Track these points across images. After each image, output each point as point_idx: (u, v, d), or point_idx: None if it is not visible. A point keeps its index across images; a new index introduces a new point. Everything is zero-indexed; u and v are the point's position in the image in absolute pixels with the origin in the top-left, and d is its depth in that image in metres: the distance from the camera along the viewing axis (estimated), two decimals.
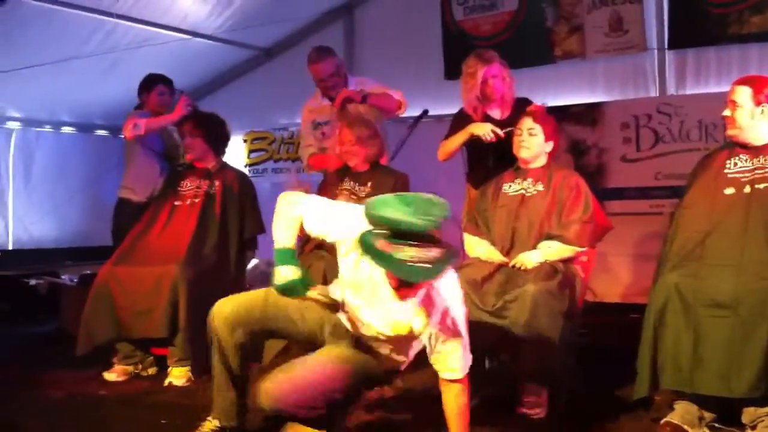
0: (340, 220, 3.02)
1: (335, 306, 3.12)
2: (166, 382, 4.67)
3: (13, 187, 7.40)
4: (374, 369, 3.18)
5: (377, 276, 2.87)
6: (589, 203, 4.19)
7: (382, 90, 5.22)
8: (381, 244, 2.58)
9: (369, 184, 4.77)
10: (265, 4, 6.84)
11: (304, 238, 4.75)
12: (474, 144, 4.72)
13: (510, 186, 4.38)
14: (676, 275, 3.57)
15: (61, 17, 6.04)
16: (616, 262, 5.80)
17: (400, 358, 3.21)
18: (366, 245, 2.62)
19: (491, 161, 4.73)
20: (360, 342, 3.14)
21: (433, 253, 2.56)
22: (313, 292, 3.11)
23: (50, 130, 7.73)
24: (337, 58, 5.38)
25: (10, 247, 7.44)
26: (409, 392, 4.29)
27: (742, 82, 3.80)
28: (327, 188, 4.88)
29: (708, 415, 3.52)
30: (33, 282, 7.06)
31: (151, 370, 4.93)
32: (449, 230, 2.86)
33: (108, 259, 5.03)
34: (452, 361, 2.97)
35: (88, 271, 6.20)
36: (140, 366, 4.91)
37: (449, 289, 2.94)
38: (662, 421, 3.55)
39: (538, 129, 4.29)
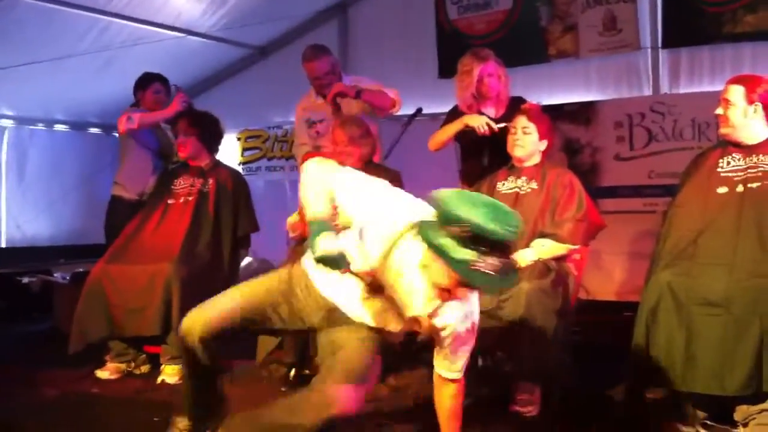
0: (377, 201, 2.82)
1: (377, 286, 2.84)
2: (159, 380, 4.68)
3: (6, 186, 7.38)
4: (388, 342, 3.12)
5: (409, 270, 2.73)
6: (582, 201, 4.20)
7: (377, 87, 5.22)
8: (451, 242, 2.45)
9: None
10: (260, 3, 6.83)
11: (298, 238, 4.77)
12: (467, 137, 4.71)
13: (504, 184, 4.39)
14: (668, 274, 3.59)
15: (55, 15, 6.02)
16: (610, 260, 5.81)
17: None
18: (435, 241, 2.48)
19: (485, 159, 4.74)
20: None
21: (504, 263, 2.47)
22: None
23: (44, 128, 7.71)
24: (332, 56, 5.38)
25: (3, 245, 7.43)
26: (403, 390, 4.30)
27: (736, 81, 3.81)
28: None
29: (701, 414, 3.53)
30: (26, 280, 7.05)
31: (144, 368, 4.93)
32: None
33: (101, 257, 5.03)
34: (459, 362, 2.95)
35: (81, 269, 6.19)
36: (133, 364, 4.91)
37: (475, 293, 2.91)
38: (655, 419, 3.56)
39: (532, 127, 4.30)
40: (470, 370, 3.05)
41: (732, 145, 3.83)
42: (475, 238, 2.43)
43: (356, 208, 2.80)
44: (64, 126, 7.86)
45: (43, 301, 6.65)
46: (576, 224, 4.13)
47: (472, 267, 2.44)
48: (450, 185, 4.97)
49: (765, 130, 3.77)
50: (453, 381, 2.98)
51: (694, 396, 3.49)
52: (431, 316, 2.79)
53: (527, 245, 4.10)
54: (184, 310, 4.56)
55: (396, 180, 4.77)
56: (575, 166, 5.64)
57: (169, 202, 5.16)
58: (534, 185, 4.28)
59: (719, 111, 3.81)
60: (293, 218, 4.59)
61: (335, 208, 2.77)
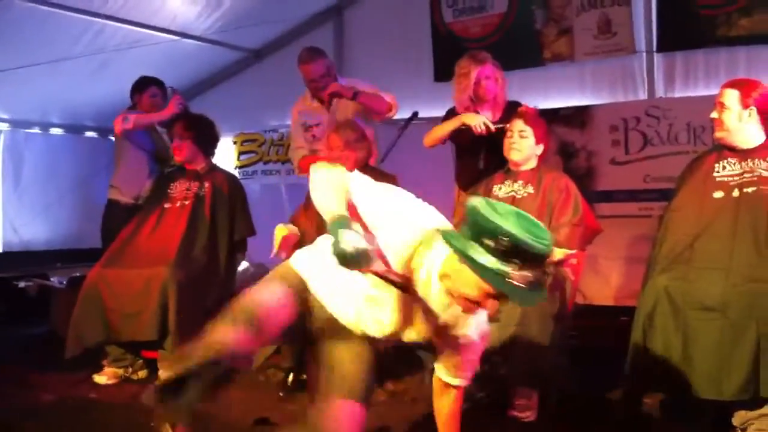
0: (395, 205, 2.69)
1: (405, 284, 2.69)
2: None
3: (2, 189, 7.36)
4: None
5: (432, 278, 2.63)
6: (578, 206, 4.21)
7: (373, 91, 5.23)
8: (485, 254, 2.37)
9: None
10: (255, 6, 6.82)
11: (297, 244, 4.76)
12: (463, 136, 4.71)
13: (500, 188, 4.39)
14: (665, 278, 3.60)
15: (50, 18, 6.00)
16: (606, 264, 5.82)
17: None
18: (468, 252, 2.39)
19: (481, 162, 4.74)
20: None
21: (536, 276, 2.38)
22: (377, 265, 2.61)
23: (39, 131, 7.70)
24: (327, 59, 5.38)
25: (0, 250, 7.41)
26: (401, 395, 4.31)
27: (731, 84, 3.83)
28: None
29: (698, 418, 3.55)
30: (22, 284, 7.04)
31: (141, 373, 4.93)
32: None
33: (98, 261, 5.02)
34: (467, 370, 2.93)
35: (78, 274, 6.18)
36: (130, 369, 4.90)
37: None
38: (652, 424, 3.58)
39: (529, 131, 4.30)
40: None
41: (727, 150, 3.85)
42: (510, 251, 2.35)
43: (374, 212, 2.64)
44: (59, 129, 7.84)
45: (40, 305, 6.64)
46: (572, 229, 4.13)
47: (508, 280, 2.36)
48: (446, 189, 5.06)
49: (760, 134, 3.79)
50: (455, 387, 2.98)
51: (692, 401, 3.50)
52: (453, 327, 2.75)
53: None
54: (180, 315, 4.62)
55: (392, 183, 4.78)
56: (570, 170, 5.64)
57: (166, 206, 5.16)
58: (530, 189, 4.28)
59: (714, 115, 3.83)
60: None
61: (353, 211, 2.64)
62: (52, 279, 6.98)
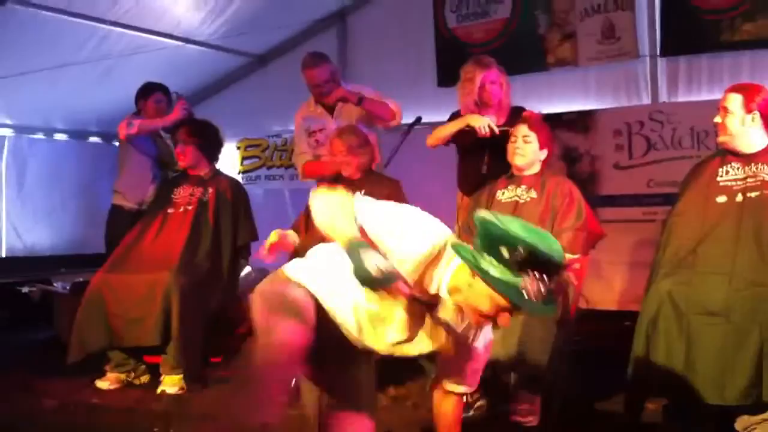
0: (402, 221, 2.60)
1: (433, 303, 2.61)
2: (159, 391, 4.67)
3: (6, 195, 7.37)
4: None
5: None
6: (582, 210, 4.20)
7: (377, 97, 5.24)
8: (499, 266, 2.34)
9: (362, 192, 4.77)
10: (259, 11, 6.83)
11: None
12: (466, 138, 4.70)
13: (503, 193, 4.38)
14: (668, 283, 3.59)
15: (54, 24, 6.03)
16: (609, 269, 5.80)
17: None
18: (481, 265, 2.36)
19: (484, 166, 4.73)
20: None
21: (551, 287, 2.34)
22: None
23: (43, 137, 7.71)
24: (331, 64, 5.39)
25: (3, 255, 7.42)
26: (402, 400, 4.30)
27: (734, 89, 3.82)
28: None
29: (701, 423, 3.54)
30: (26, 290, 7.04)
31: (144, 378, 4.93)
32: None
33: (101, 266, 5.03)
34: (471, 378, 2.90)
35: (81, 279, 6.18)
36: (133, 374, 4.90)
37: None
38: (655, 429, 3.56)
39: (533, 136, 4.29)
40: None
41: (731, 154, 3.84)
42: (526, 262, 2.32)
43: (383, 232, 2.55)
44: (63, 135, 7.85)
45: (43, 310, 6.64)
46: (575, 233, 4.12)
47: (523, 293, 2.33)
48: (449, 194, 5.06)
49: (763, 138, 3.78)
50: (456, 394, 2.97)
51: (695, 406, 3.48)
52: (462, 340, 2.71)
53: None
54: (183, 320, 4.62)
55: (397, 190, 4.78)
56: (574, 175, 5.64)
57: (169, 211, 5.17)
58: (533, 194, 4.27)
59: (717, 119, 3.82)
60: (274, 237, 4.48)
61: (361, 233, 2.56)
62: (55, 284, 6.98)
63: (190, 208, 5.13)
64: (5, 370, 5.21)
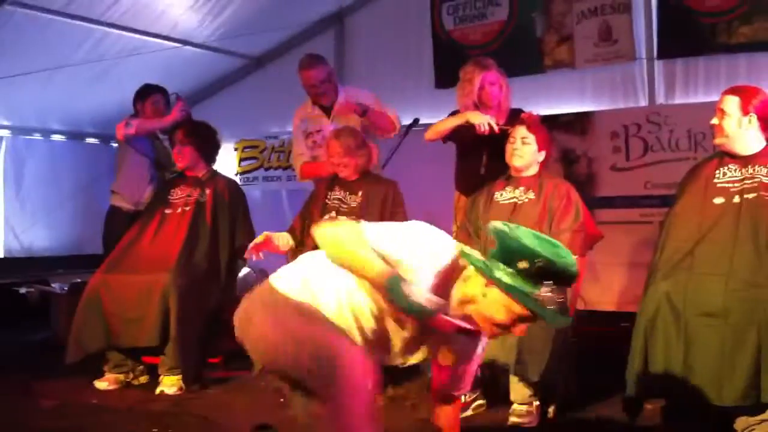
0: (418, 246, 2.55)
1: (477, 331, 2.60)
2: (158, 391, 4.67)
3: (3, 196, 7.37)
4: None
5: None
6: (579, 212, 4.21)
7: (375, 101, 5.29)
8: (517, 277, 2.37)
9: (359, 193, 4.79)
10: (256, 13, 6.84)
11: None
12: (465, 136, 4.71)
13: (501, 194, 4.39)
14: (666, 284, 3.60)
15: (51, 25, 6.03)
16: (607, 270, 5.81)
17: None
18: (498, 276, 2.39)
19: (483, 168, 4.74)
20: None
21: (564, 297, 2.43)
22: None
23: (40, 138, 7.71)
24: (328, 65, 5.42)
25: (1, 256, 7.41)
26: (400, 400, 4.30)
27: (731, 91, 3.84)
28: (316, 199, 4.89)
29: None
30: (23, 290, 7.04)
31: (143, 379, 4.92)
32: None
33: (99, 267, 5.03)
34: (467, 380, 2.93)
35: (79, 280, 6.19)
36: (131, 375, 4.90)
37: None
38: (654, 430, 3.57)
39: (531, 138, 4.30)
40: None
41: (728, 156, 3.85)
42: (543, 272, 2.36)
43: (401, 259, 2.49)
44: (60, 136, 7.85)
45: (41, 311, 6.64)
46: (573, 235, 4.13)
47: (541, 302, 2.38)
48: (446, 196, 5.07)
49: (760, 140, 3.79)
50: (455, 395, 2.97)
51: (693, 407, 3.50)
52: None
53: None
54: (181, 321, 4.62)
55: (395, 192, 4.80)
56: (571, 177, 5.64)
57: (166, 212, 5.16)
58: (531, 195, 4.28)
59: (714, 121, 3.84)
60: (259, 239, 4.50)
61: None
62: (53, 285, 6.97)
63: (187, 209, 5.13)
64: (3, 370, 5.21)
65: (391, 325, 2.59)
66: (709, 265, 3.60)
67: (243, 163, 7.95)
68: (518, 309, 2.41)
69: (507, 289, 2.38)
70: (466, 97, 4.80)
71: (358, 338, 2.62)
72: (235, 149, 7.95)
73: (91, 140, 8.15)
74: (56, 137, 7.83)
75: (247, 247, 5.21)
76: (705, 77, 5.92)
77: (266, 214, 7.07)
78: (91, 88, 7.01)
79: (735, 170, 3.79)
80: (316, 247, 4.60)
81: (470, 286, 2.50)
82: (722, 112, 3.78)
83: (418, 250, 2.52)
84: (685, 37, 5.93)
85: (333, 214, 4.74)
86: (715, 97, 4.01)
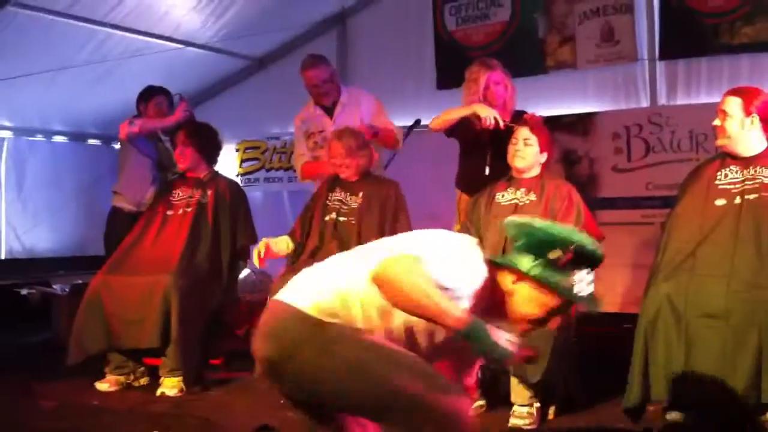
0: (461, 266, 2.40)
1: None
2: (159, 393, 4.67)
3: (5, 197, 7.37)
4: None
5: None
6: (581, 213, 4.21)
7: (379, 109, 5.35)
8: (551, 268, 2.35)
9: (360, 194, 4.78)
10: (258, 14, 6.84)
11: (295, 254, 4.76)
12: (468, 132, 4.71)
13: (503, 195, 4.39)
14: (667, 286, 3.60)
15: (53, 26, 6.03)
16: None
17: None
18: (534, 269, 2.36)
19: (487, 170, 4.72)
20: None
21: (593, 280, 2.39)
22: None
23: (43, 138, 7.71)
24: (330, 66, 5.43)
25: (2, 257, 7.41)
26: None
27: (733, 92, 3.83)
28: (317, 199, 4.89)
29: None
30: (24, 292, 7.04)
31: (144, 381, 4.92)
32: None
33: (100, 268, 5.03)
34: (471, 379, 2.87)
35: (80, 281, 6.19)
36: (132, 376, 4.90)
37: None
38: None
39: (534, 139, 4.30)
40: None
41: (730, 157, 3.84)
42: (578, 260, 2.36)
43: (457, 287, 2.35)
44: (62, 137, 7.86)
45: (42, 312, 6.64)
46: None
47: (578, 289, 2.38)
48: (449, 196, 5.06)
49: (762, 141, 3.79)
50: None
51: (695, 408, 3.49)
52: None
53: None
54: (183, 323, 4.62)
55: (397, 192, 4.79)
56: (573, 178, 5.64)
57: (168, 213, 5.17)
58: (533, 197, 4.27)
59: (717, 122, 3.83)
60: (261, 248, 4.53)
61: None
62: (54, 286, 6.97)
63: (189, 210, 5.13)
64: (4, 371, 5.22)
65: (421, 337, 2.46)
66: (711, 266, 3.60)
67: (244, 164, 7.95)
68: (552, 301, 2.40)
69: (543, 281, 2.37)
70: (471, 97, 4.79)
71: None
72: (237, 150, 7.95)
73: (93, 141, 8.15)
74: (58, 138, 7.83)
75: (248, 248, 5.27)
76: (707, 78, 5.90)
77: (267, 215, 7.07)
78: (93, 89, 7.01)
79: (736, 171, 3.79)
80: (315, 250, 4.65)
81: (505, 284, 2.46)
82: (724, 113, 3.78)
83: (467, 275, 2.40)
84: (687, 37, 5.93)
85: (333, 215, 4.74)
86: (717, 98, 4.00)
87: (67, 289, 6.59)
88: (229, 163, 7.62)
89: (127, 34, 6.49)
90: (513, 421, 3.89)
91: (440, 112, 4.85)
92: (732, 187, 3.76)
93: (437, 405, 2.25)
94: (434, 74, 6.98)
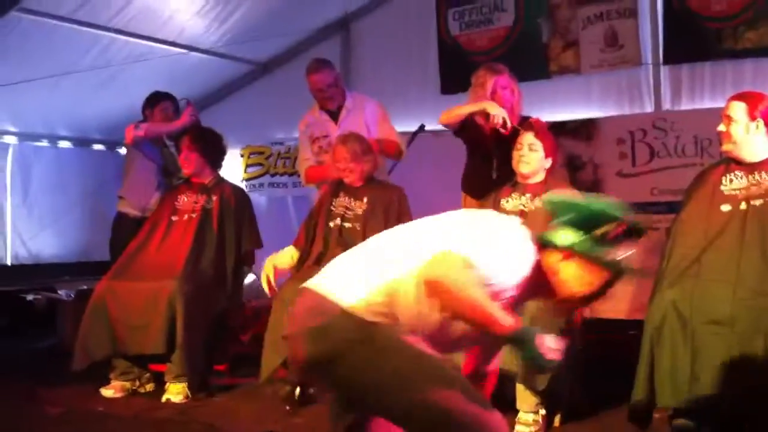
0: (506, 250, 2.38)
1: None
2: (164, 399, 4.68)
3: (11, 202, 7.37)
4: None
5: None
6: None
7: (382, 116, 5.34)
8: (596, 244, 2.34)
9: (364, 199, 4.79)
10: (262, 19, 6.84)
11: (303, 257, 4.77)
12: (474, 130, 4.70)
13: (508, 201, 4.39)
14: (673, 292, 3.60)
15: (57, 31, 6.04)
16: None
17: None
18: (587, 247, 2.35)
19: (494, 174, 4.71)
20: None
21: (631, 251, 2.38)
22: None
23: (47, 144, 7.72)
24: (335, 70, 5.43)
25: (8, 263, 7.42)
26: None
27: (738, 97, 3.84)
28: (322, 205, 4.89)
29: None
30: (30, 297, 7.05)
31: (149, 387, 4.93)
32: None
33: (105, 274, 5.03)
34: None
35: (85, 287, 6.20)
36: (138, 382, 4.90)
37: None
38: None
39: (538, 145, 4.30)
40: None
41: (734, 163, 3.85)
42: (626, 233, 2.38)
43: (504, 280, 2.34)
44: (67, 142, 7.86)
45: (48, 318, 6.65)
46: None
47: (626, 263, 2.39)
48: (453, 200, 5.05)
49: (767, 146, 3.78)
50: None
51: (701, 415, 3.49)
52: None
53: None
54: (188, 328, 4.63)
55: (400, 197, 4.80)
56: (577, 183, 5.63)
57: (173, 218, 5.17)
58: (538, 203, 4.26)
59: (721, 128, 3.83)
60: (270, 272, 4.58)
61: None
62: (59, 292, 6.99)
63: (194, 215, 5.14)
64: (10, 377, 5.23)
65: (456, 325, 2.40)
66: (716, 272, 3.60)
67: (249, 170, 7.94)
68: (600, 276, 2.39)
69: (594, 257, 2.36)
70: (478, 101, 4.79)
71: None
72: (241, 155, 7.94)
73: (97, 146, 8.15)
74: (63, 143, 7.83)
75: (253, 253, 5.28)
76: (711, 83, 5.90)
77: (272, 220, 7.07)
78: (97, 95, 7.01)
79: (741, 177, 3.79)
80: (320, 256, 4.64)
81: (552, 264, 2.44)
82: (729, 118, 3.78)
83: (516, 265, 2.38)
84: (691, 42, 5.93)
85: (338, 221, 4.74)
86: (721, 103, 4.01)
87: (72, 295, 6.61)
88: (233, 168, 7.62)
89: (131, 39, 6.49)
90: (518, 428, 3.89)
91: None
92: (737, 192, 3.76)
93: (479, 423, 2.25)
94: (438, 79, 6.98)
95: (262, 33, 6.89)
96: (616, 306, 5.67)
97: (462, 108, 4.78)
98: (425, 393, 2.25)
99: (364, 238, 4.60)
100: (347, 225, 4.73)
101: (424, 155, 5.78)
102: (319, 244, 4.75)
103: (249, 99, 7.95)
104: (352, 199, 4.80)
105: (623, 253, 2.38)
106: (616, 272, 2.40)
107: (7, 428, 4.12)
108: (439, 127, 5.27)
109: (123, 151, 6.59)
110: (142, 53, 6.63)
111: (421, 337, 2.35)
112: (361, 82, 7.10)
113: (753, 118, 3.73)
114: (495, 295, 2.30)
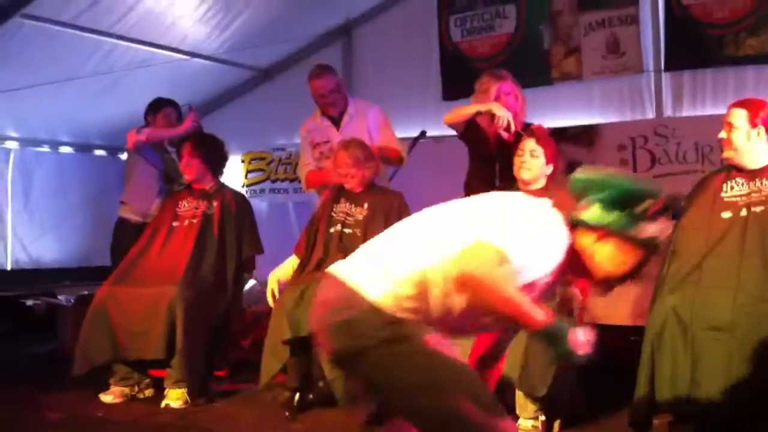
0: (539, 237, 2.34)
1: None
2: (163, 404, 4.66)
3: (11, 208, 7.38)
4: None
5: None
6: None
7: (384, 123, 5.33)
8: (632, 221, 2.31)
9: (365, 205, 4.78)
10: (264, 26, 6.86)
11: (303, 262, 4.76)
12: (476, 133, 4.70)
13: None
14: (673, 298, 3.60)
15: (60, 37, 6.04)
16: None
17: None
18: (625, 224, 2.31)
19: (497, 181, 4.71)
20: None
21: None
22: None
23: (49, 149, 7.73)
24: (337, 76, 5.43)
25: (9, 268, 7.42)
26: None
27: (739, 104, 3.83)
28: (322, 211, 4.89)
29: None
30: (30, 302, 7.05)
31: (148, 392, 4.92)
32: None
33: (106, 279, 5.03)
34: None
35: (86, 292, 6.20)
36: (137, 388, 4.90)
37: None
38: None
39: (540, 151, 4.29)
40: None
41: (735, 170, 3.84)
42: (661, 209, 2.33)
43: (536, 268, 2.33)
44: (69, 148, 7.87)
45: (48, 323, 6.65)
46: None
47: (659, 238, 2.35)
48: None
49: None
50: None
51: (701, 421, 3.48)
52: None
53: None
54: (188, 334, 4.62)
55: (401, 203, 4.79)
56: None
57: (174, 224, 5.17)
58: None
59: (722, 134, 3.83)
60: (273, 285, 4.60)
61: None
62: (60, 297, 6.99)
63: (195, 221, 5.14)
64: (10, 382, 5.23)
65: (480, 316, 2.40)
66: (717, 278, 3.60)
67: (250, 175, 7.95)
68: (636, 255, 2.36)
69: (631, 236, 2.33)
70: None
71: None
72: (242, 161, 7.95)
73: (99, 152, 8.16)
74: (64, 149, 7.84)
75: (253, 259, 5.28)
76: (712, 89, 5.90)
77: (273, 226, 7.07)
78: (99, 100, 7.02)
79: (742, 184, 3.79)
80: (321, 262, 4.64)
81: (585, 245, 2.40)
82: (730, 125, 3.78)
83: (550, 252, 2.35)
84: (692, 49, 5.93)
85: (338, 227, 4.74)
86: (722, 110, 4.01)
87: (72, 300, 6.61)
88: (234, 174, 7.62)
89: (133, 45, 6.49)
90: None
91: (444, 128, 4.87)
92: (738, 199, 3.76)
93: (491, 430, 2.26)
94: (440, 85, 6.98)
95: (264, 39, 6.90)
96: (617, 312, 5.68)
97: (468, 108, 4.78)
98: (444, 399, 2.24)
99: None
100: (347, 231, 4.73)
101: (425, 161, 5.77)
102: (320, 250, 4.75)
103: (250, 105, 7.96)
104: (352, 205, 4.79)
105: (657, 230, 2.34)
106: (650, 250, 2.37)
107: None
108: (441, 133, 5.29)
109: (124, 156, 6.59)
110: (144, 59, 6.63)
111: (445, 327, 2.35)
112: (362, 88, 7.10)
113: (754, 125, 3.73)
114: (531, 285, 2.30)
